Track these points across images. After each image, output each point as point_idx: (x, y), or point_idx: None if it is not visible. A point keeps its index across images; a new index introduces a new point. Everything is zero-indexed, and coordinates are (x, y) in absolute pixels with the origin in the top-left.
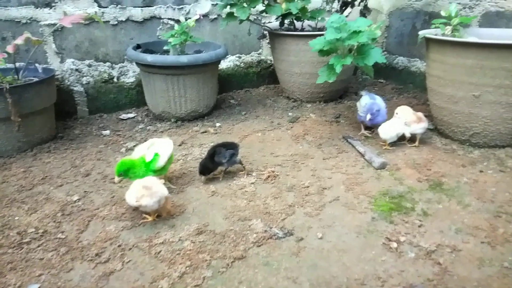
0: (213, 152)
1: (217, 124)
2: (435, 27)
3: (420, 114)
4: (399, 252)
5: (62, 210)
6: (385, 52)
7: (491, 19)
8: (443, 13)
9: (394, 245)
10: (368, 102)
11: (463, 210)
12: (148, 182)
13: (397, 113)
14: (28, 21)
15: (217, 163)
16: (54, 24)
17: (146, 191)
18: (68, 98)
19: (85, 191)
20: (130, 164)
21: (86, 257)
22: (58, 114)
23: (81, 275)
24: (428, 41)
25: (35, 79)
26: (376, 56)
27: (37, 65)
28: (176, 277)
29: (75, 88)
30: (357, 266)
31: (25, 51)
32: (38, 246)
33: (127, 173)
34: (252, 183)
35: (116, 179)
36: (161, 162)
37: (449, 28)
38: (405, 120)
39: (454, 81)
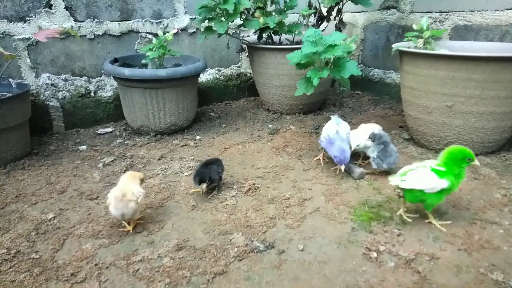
0: (208, 170)
1: (197, 137)
2: (408, 40)
3: None
4: (379, 262)
5: (36, 229)
6: (361, 65)
7: (460, 32)
8: (415, 27)
9: (374, 254)
10: (339, 144)
11: (440, 218)
12: (122, 190)
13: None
14: (1, 35)
15: (212, 180)
16: (29, 39)
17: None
18: (44, 114)
19: (60, 209)
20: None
21: (61, 277)
22: (33, 130)
23: None
24: (402, 53)
25: (8, 95)
26: (352, 68)
27: (10, 80)
28: None
29: (50, 103)
30: (338, 277)
31: None
32: (10, 268)
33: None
34: (233, 196)
35: None
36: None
37: (421, 41)
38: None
39: (427, 92)
